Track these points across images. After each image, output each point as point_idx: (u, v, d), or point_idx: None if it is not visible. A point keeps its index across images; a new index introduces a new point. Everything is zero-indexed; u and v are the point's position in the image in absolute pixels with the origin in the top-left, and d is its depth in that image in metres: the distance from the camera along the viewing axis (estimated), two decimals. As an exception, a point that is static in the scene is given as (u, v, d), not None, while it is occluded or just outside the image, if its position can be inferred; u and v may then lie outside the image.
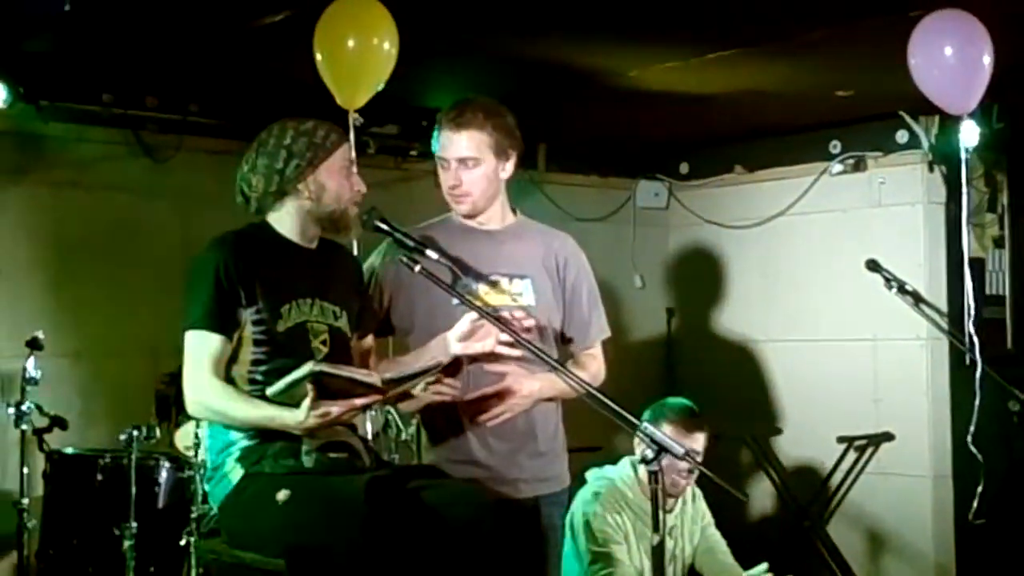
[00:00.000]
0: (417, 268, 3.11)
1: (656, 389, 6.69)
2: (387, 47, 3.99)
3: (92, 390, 5.08)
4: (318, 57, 4.01)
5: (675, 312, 7.05)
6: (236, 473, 2.98)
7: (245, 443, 2.98)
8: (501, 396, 3.30)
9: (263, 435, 2.96)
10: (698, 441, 3.95)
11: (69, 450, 4.48)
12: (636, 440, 3.85)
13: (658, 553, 2.83)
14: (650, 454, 2.80)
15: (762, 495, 6.56)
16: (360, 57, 3.97)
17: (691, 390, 6.66)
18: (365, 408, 2.97)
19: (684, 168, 7.05)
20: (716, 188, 6.91)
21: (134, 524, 4.14)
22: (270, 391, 2.89)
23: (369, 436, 4.13)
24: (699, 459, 3.86)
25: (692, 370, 6.93)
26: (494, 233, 3.44)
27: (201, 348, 2.95)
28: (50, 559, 4.32)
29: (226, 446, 3.00)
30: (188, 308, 2.98)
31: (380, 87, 4.06)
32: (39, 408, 4.40)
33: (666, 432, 3.90)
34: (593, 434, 5.17)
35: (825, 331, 6.45)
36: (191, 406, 2.99)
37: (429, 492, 2.91)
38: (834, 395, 6.33)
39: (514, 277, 3.40)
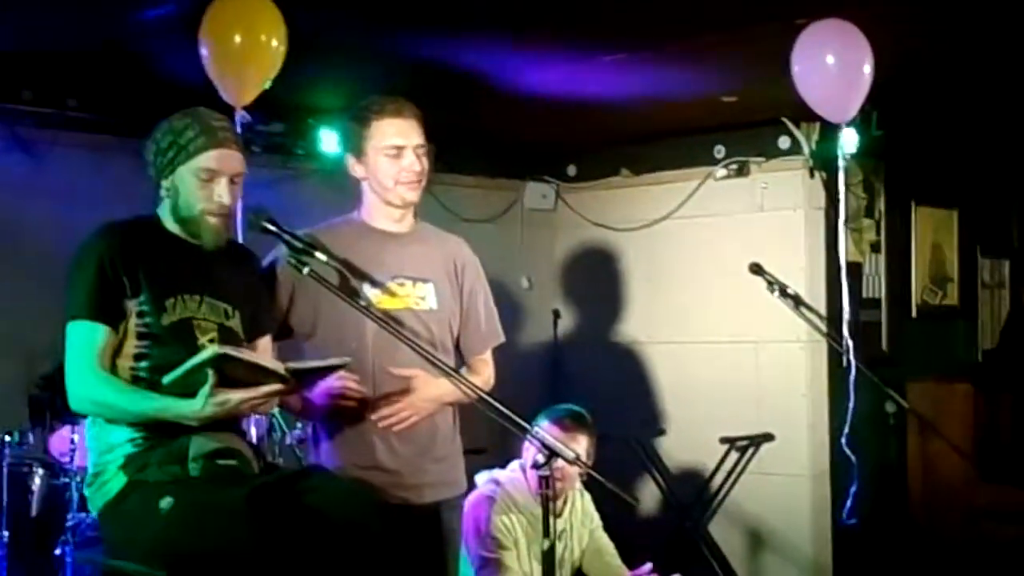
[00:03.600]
0: (305, 271, 3.06)
1: (542, 390, 6.80)
2: (275, 44, 3.91)
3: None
4: (204, 52, 3.92)
5: (561, 314, 7.07)
6: (118, 480, 2.89)
7: (129, 449, 2.89)
8: (406, 400, 3.29)
9: (148, 440, 2.88)
10: (580, 443, 3.97)
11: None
12: (526, 444, 3.87)
13: (549, 559, 2.82)
14: (541, 459, 2.79)
15: (646, 496, 6.61)
16: (248, 53, 3.88)
17: (577, 391, 6.72)
18: (265, 398, 2.87)
19: (572, 170, 7.08)
20: (603, 191, 6.95)
21: (5, 533, 4.00)
22: (167, 379, 2.81)
23: (254, 440, 4.07)
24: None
25: (578, 371, 6.95)
26: (399, 236, 3.43)
27: (85, 339, 2.85)
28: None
29: (108, 449, 2.91)
30: (71, 298, 2.89)
31: (267, 85, 3.98)
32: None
33: (549, 434, 3.95)
34: (480, 436, 5.17)
35: (708, 333, 6.52)
36: (74, 400, 2.88)
37: (314, 495, 2.86)
38: (717, 396, 6.41)
39: (418, 280, 3.40)
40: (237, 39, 3.88)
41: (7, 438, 4.04)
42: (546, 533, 2.80)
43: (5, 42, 4.55)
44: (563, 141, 6.84)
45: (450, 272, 3.46)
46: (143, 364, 2.90)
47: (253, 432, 4.19)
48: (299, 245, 3.10)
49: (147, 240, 2.97)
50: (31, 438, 4.13)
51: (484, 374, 3.51)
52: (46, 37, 4.42)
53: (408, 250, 3.41)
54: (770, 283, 5.63)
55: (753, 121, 6.18)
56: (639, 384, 6.77)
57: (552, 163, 7.05)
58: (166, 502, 2.79)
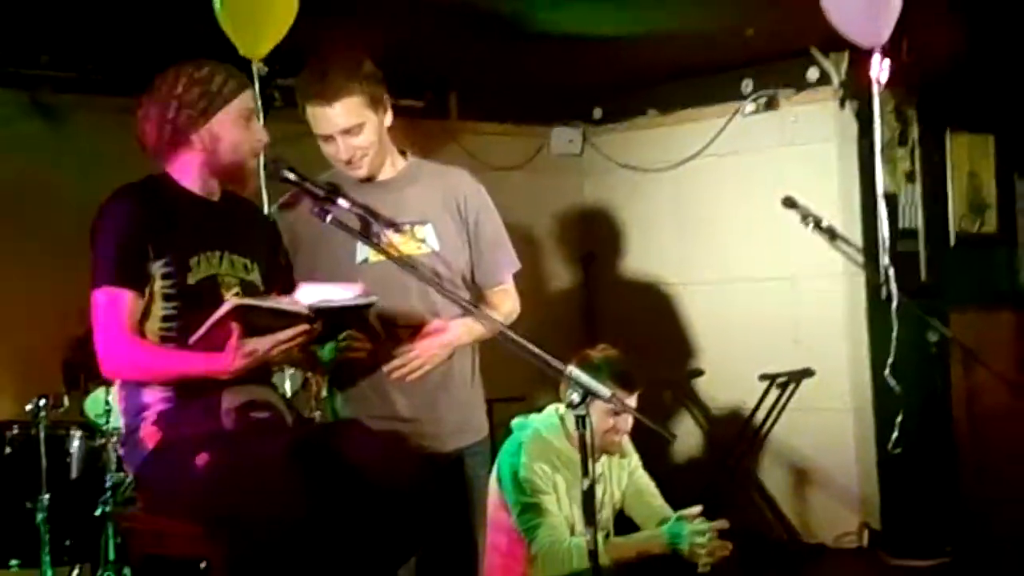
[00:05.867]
0: (328, 219, 3.00)
1: (576, 337, 6.74)
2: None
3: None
4: (216, 4, 3.86)
5: (592, 258, 7.00)
6: (153, 438, 2.86)
7: (161, 407, 2.86)
8: (416, 347, 3.22)
9: (180, 397, 2.85)
10: (633, 400, 3.89)
11: (-24, 422, 4.31)
12: (562, 387, 3.82)
13: (589, 498, 2.77)
14: (576, 398, 2.74)
15: (687, 437, 6.58)
16: (260, 3, 3.82)
17: (610, 336, 6.72)
18: (293, 342, 2.80)
19: (598, 113, 6.99)
20: (630, 132, 6.87)
21: (46, 496, 4.01)
22: (194, 337, 2.77)
23: (288, 394, 4.06)
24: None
25: (611, 316, 6.91)
26: (386, 183, 3.31)
27: (112, 306, 2.81)
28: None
29: (141, 409, 2.88)
30: (95, 266, 2.85)
31: (282, 35, 3.92)
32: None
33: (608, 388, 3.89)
34: (515, 384, 5.14)
35: (743, 271, 6.45)
36: (107, 367, 2.85)
37: (352, 450, 2.82)
38: (755, 334, 6.34)
39: (415, 224, 3.29)
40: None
41: (42, 402, 4.02)
42: (585, 473, 2.75)
43: (21, 8, 4.50)
44: (588, 83, 6.75)
45: (451, 207, 3.32)
46: (171, 325, 2.87)
47: (288, 387, 4.18)
48: (321, 193, 3.04)
49: (165, 200, 2.93)
50: (66, 401, 4.12)
51: (505, 307, 3.39)
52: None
53: (401, 194, 3.29)
54: (804, 216, 5.53)
55: (781, 53, 6.08)
56: (675, 325, 6.71)
57: (577, 106, 6.96)
58: (202, 458, 2.76)
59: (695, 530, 3.62)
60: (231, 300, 2.74)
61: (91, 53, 5.23)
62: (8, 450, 4.17)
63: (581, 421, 2.78)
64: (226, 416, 2.83)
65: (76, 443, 4.21)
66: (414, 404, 3.26)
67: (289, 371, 4.12)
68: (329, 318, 2.85)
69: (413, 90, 6.28)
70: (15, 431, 4.19)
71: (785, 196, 5.36)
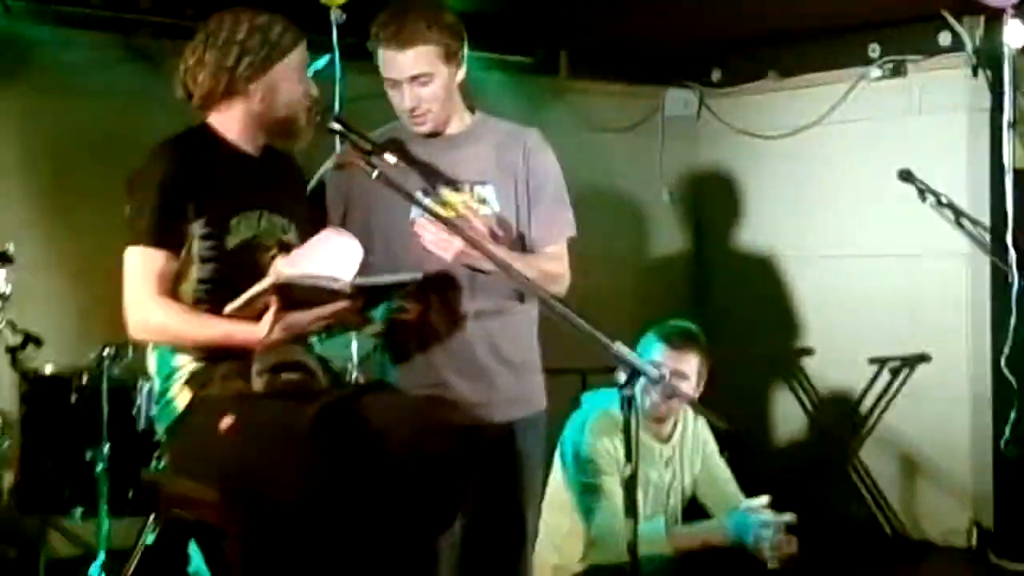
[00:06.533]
0: (375, 174, 2.86)
1: (685, 307, 6.47)
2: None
3: (71, 307, 4.86)
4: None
5: (704, 227, 6.74)
6: (183, 397, 2.77)
7: (192, 366, 2.76)
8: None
9: (211, 357, 2.75)
10: (689, 362, 3.74)
11: (48, 369, 4.27)
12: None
13: (630, 488, 2.58)
14: (623, 377, 2.55)
15: (790, 418, 6.30)
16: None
17: (720, 307, 6.51)
18: (332, 318, 2.72)
19: (716, 75, 6.68)
20: (749, 96, 6.52)
21: (107, 447, 3.97)
22: (229, 308, 2.67)
23: (355, 359, 3.94)
24: (692, 381, 3.65)
25: (722, 287, 6.64)
26: (451, 138, 3.19)
27: (144, 265, 2.73)
28: (26, 482, 4.16)
29: (172, 372, 2.80)
30: (131, 223, 2.76)
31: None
32: (12, 325, 4.20)
33: (658, 353, 3.71)
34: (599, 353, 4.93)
35: (860, 246, 6.10)
36: (135, 328, 2.76)
37: (378, 415, 2.67)
38: (868, 314, 6.01)
39: (475, 184, 3.16)
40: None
41: (107, 351, 3.97)
42: (628, 458, 2.55)
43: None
44: (706, 44, 6.45)
45: (512, 166, 3.18)
46: (208, 287, 2.77)
47: (355, 350, 4.06)
48: (368, 147, 2.90)
49: (206, 156, 2.82)
50: (131, 352, 4.06)
51: (551, 268, 3.19)
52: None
53: (463, 152, 3.17)
54: (921, 191, 5.24)
55: (910, 16, 5.69)
56: (786, 300, 6.40)
57: (694, 68, 6.66)
58: (227, 421, 2.65)
59: (760, 522, 3.39)
60: (273, 272, 2.63)
61: (188, -1, 5.15)
62: (75, 398, 4.14)
63: (627, 402, 2.58)
64: (257, 377, 2.71)
65: (144, 395, 4.14)
66: (461, 370, 3.12)
67: (355, 337, 3.99)
68: (371, 293, 2.77)
69: (522, 45, 6.10)
70: (83, 380, 4.14)
71: (901, 169, 5.07)
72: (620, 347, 2.55)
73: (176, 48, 5.07)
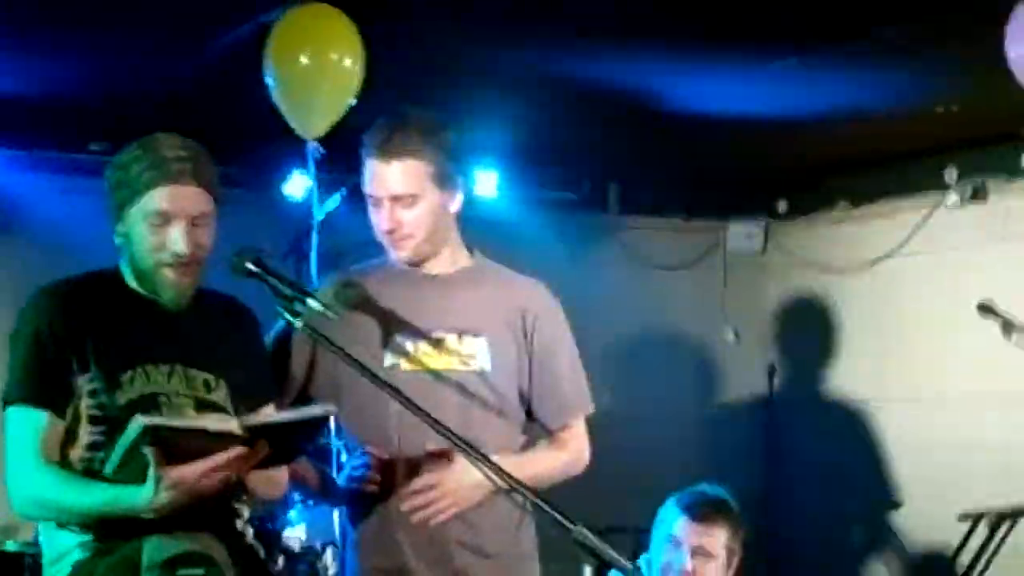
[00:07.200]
0: (299, 323, 2.45)
1: (754, 460, 6.06)
2: (348, 63, 3.38)
3: None
4: (268, 80, 3.43)
5: (776, 369, 6.24)
6: None
7: (77, 556, 2.35)
8: (442, 486, 2.63)
9: (100, 541, 2.34)
10: (715, 538, 3.24)
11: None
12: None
13: None
14: (588, 571, 2.09)
15: (878, 582, 5.73)
16: (315, 75, 3.37)
17: (795, 459, 6.02)
18: (228, 468, 2.27)
19: (782, 206, 6.28)
20: (818, 227, 6.15)
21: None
22: (107, 467, 2.31)
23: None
24: (719, 560, 3.16)
25: (797, 436, 6.16)
26: (442, 279, 2.78)
27: (24, 427, 2.36)
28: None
29: (57, 558, 2.39)
30: (8, 378, 2.41)
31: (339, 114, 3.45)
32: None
33: (677, 527, 3.25)
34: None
35: (949, 388, 5.57)
36: (17, 502, 2.37)
37: None
38: (958, 462, 5.45)
39: (465, 334, 2.73)
40: (304, 60, 3.36)
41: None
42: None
43: (73, 90, 4.22)
44: (769, 172, 6.09)
45: (514, 323, 2.77)
46: (98, 455, 2.36)
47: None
48: (288, 292, 2.48)
49: (100, 302, 2.46)
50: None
51: (571, 449, 2.81)
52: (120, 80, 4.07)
53: (454, 297, 2.76)
54: (1006, 325, 4.72)
55: (988, 137, 5.28)
56: (868, 449, 5.87)
57: (757, 198, 6.27)
58: None
59: None
60: (137, 420, 2.21)
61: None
62: None
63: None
64: (147, 573, 2.28)
65: None
66: (424, 555, 2.65)
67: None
68: (274, 436, 2.32)
69: (568, 181, 5.80)
70: None
71: (980, 302, 4.63)
72: (582, 531, 2.07)
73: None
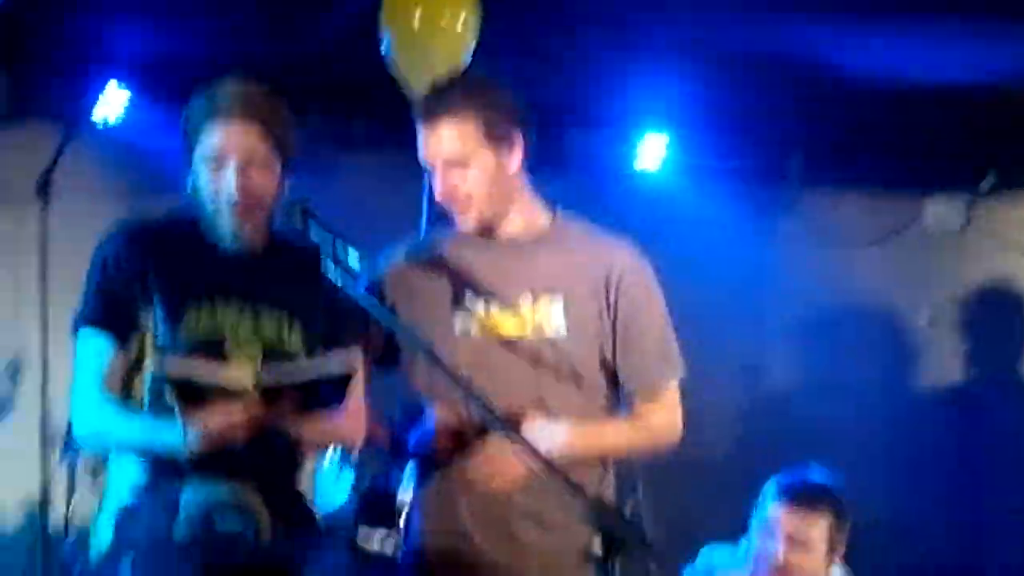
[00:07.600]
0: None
1: (948, 453, 5.65)
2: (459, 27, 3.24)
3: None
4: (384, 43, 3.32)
5: (974, 359, 5.78)
6: (106, 535, 2.43)
7: (124, 496, 2.42)
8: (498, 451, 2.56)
9: (145, 486, 2.39)
10: (814, 527, 3.03)
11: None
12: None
13: None
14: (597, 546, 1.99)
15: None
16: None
17: (995, 452, 5.56)
18: (250, 420, 2.29)
19: (988, 181, 5.78)
20: (1026, 205, 5.66)
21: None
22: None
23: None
24: (819, 551, 3.02)
25: (997, 428, 5.67)
26: (510, 242, 2.68)
27: (90, 353, 2.43)
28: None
29: (112, 492, 2.49)
30: (79, 305, 2.50)
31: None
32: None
33: (774, 511, 3.05)
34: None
35: None
36: (75, 425, 2.48)
37: None
38: None
39: (540, 294, 2.62)
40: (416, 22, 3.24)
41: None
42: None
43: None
44: (974, 143, 5.60)
45: (596, 285, 2.65)
46: (161, 387, 2.38)
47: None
48: (331, 248, 2.41)
49: (170, 240, 2.51)
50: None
51: (654, 422, 2.68)
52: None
53: (528, 259, 2.66)
54: None
55: None
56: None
57: (960, 172, 5.79)
58: None
59: None
60: (163, 367, 2.32)
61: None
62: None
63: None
64: (185, 522, 2.30)
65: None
66: (482, 521, 2.60)
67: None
68: (300, 391, 2.31)
69: (747, 149, 5.47)
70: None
71: None
72: (599, 502, 2.07)
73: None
